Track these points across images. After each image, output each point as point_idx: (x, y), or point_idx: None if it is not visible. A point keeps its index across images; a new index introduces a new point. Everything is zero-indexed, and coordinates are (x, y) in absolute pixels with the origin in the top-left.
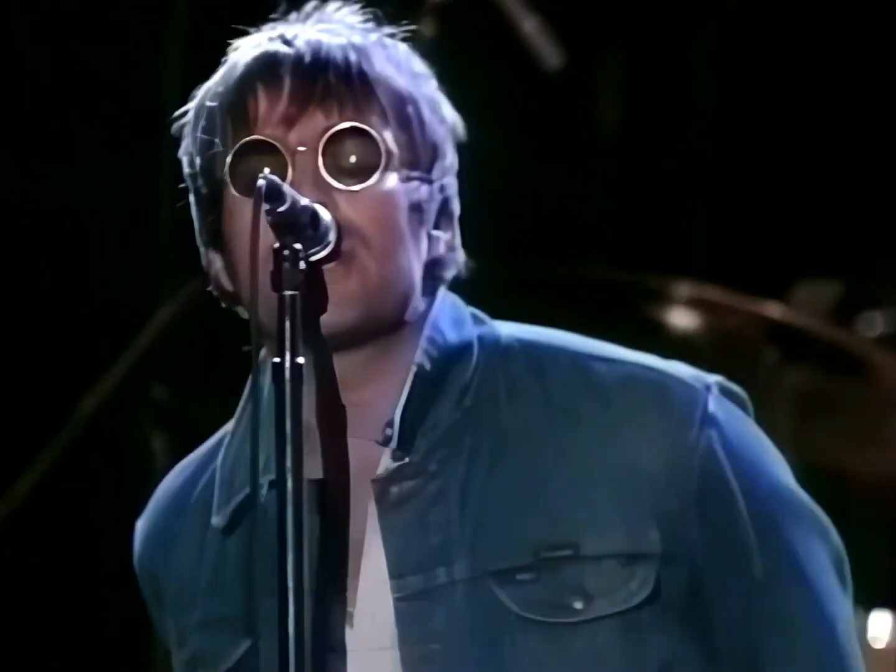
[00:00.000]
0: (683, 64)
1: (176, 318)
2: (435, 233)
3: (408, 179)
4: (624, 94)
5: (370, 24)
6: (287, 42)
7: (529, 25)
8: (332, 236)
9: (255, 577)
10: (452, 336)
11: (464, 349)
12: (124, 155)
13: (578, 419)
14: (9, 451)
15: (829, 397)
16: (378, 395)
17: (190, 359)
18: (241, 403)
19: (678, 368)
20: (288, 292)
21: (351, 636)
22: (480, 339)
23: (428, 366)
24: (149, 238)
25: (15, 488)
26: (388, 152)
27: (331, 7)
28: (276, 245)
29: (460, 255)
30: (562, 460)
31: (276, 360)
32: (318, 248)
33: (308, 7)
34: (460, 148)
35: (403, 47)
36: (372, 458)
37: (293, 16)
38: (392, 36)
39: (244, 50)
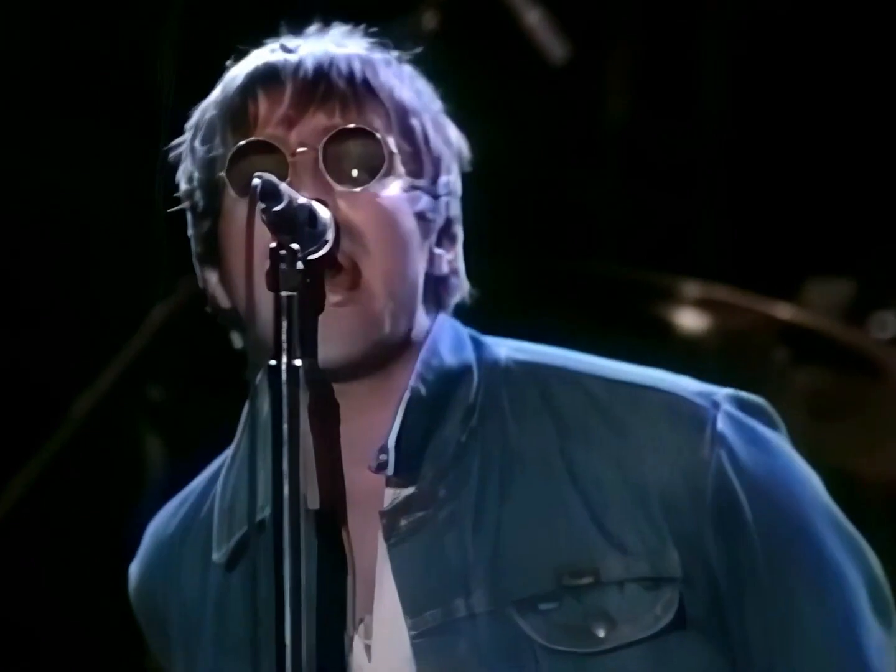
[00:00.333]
0: (691, 57)
1: (171, 317)
2: (438, 250)
3: (412, 188)
4: (631, 90)
5: (376, 47)
6: (288, 50)
7: (533, 18)
8: (330, 235)
9: (259, 610)
10: (451, 359)
11: (464, 371)
12: (118, 154)
13: (588, 441)
14: (2, 452)
15: (841, 399)
16: (379, 423)
17: (185, 359)
18: (238, 431)
19: (684, 385)
20: (285, 293)
21: (370, 669)
22: (479, 360)
23: (423, 390)
24: (144, 237)
25: (8, 490)
26: (391, 155)
27: (334, 30)
28: (273, 245)
29: (464, 282)
30: (574, 482)
31: (273, 362)
32: (316, 247)
33: (310, 29)
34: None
35: (409, 68)
36: (378, 490)
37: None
38: (398, 59)
39: (244, 63)
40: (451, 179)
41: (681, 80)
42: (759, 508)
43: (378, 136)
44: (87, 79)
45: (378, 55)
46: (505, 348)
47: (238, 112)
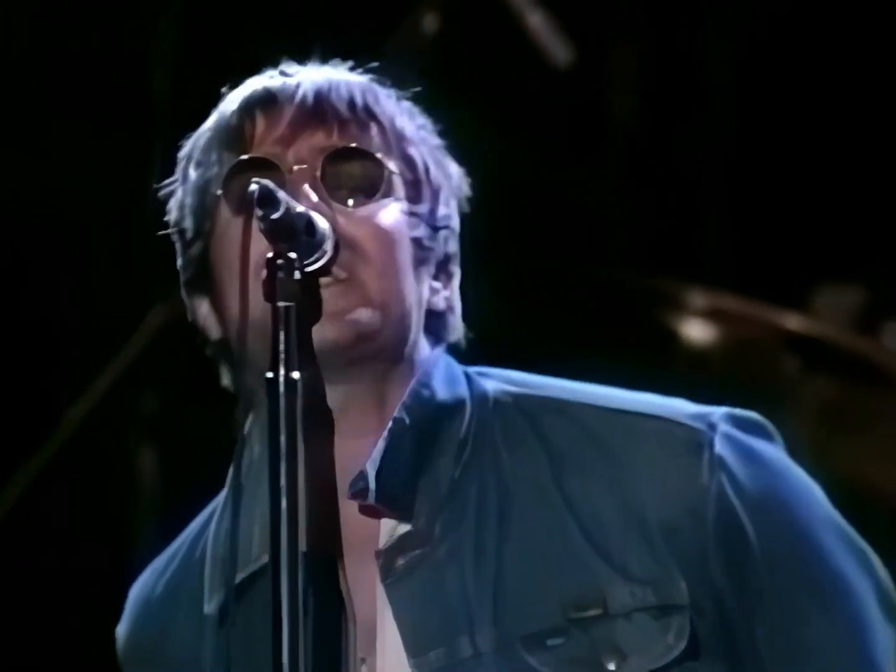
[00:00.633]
0: (696, 59)
1: (167, 323)
2: (435, 284)
3: (411, 214)
4: (635, 92)
5: (375, 82)
6: (288, 75)
7: (536, 20)
8: (328, 245)
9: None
10: (444, 393)
11: (457, 406)
12: (118, 154)
13: (582, 470)
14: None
15: (851, 409)
16: (368, 453)
17: (179, 369)
18: (229, 480)
19: (678, 408)
20: (282, 303)
21: None
22: (472, 394)
23: (408, 420)
24: (138, 245)
25: (3, 495)
26: (391, 176)
27: (334, 62)
28: (270, 255)
29: (459, 322)
30: (572, 512)
31: (270, 374)
32: (314, 258)
33: (309, 64)
34: (466, 153)
35: (408, 103)
36: (373, 529)
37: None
38: (398, 97)
39: (241, 88)
40: (450, 213)
41: (685, 82)
42: (762, 527)
43: (378, 156)
44: (86, 79)
45: (378, 87)
46: (494, 380)
47: (235, 131)
